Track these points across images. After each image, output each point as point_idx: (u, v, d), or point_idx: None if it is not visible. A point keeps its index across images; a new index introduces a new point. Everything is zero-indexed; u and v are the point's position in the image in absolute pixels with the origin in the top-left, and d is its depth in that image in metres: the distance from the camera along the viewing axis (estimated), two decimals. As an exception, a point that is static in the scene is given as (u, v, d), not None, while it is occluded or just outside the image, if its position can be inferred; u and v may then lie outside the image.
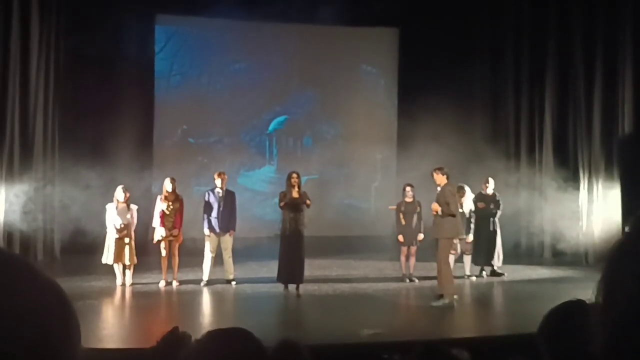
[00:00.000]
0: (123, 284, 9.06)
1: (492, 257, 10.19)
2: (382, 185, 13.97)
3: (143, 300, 8.49)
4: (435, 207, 8.28)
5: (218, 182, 9.36)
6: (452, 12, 12.81)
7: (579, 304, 1.58)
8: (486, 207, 10.11)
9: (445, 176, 8.30)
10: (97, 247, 9.54)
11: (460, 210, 9.86)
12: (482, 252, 10.14)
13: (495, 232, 10.21)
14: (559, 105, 12.34)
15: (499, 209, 10.25)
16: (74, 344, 0.77)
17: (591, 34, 11.58)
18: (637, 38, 11.01)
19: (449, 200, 8.22)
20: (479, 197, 10.17)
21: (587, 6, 11.73)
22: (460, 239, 9.78)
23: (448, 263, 8.35)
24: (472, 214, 10.02)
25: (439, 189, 8.35)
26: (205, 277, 9.26)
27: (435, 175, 8.35)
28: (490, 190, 10.26)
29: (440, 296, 8.15)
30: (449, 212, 8.21)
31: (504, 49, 13.08)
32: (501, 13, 13.04)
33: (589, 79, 11.67)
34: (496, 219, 10.25)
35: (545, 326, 1.68)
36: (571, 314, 1.58)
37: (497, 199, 10.29)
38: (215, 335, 1.43)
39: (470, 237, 9.95)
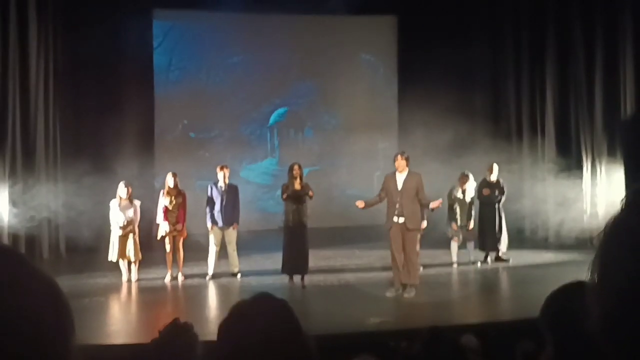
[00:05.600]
0: (129, 280, 9.08)
1: (498, 242, 10.17)
2: (384, 174, 13.89)
3: (149, 296, 8.52)
4: (438, 203, 8.21)
5: (220, 175, 9.35)
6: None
7: (579, 285, 1.58)
8: (491, 193, 10.08)
9: (406, 161, 8.10)
10: (102, 244, 9.58)
11: (461, 197, 9.88)
12: (488, 238, 10.13)
13: (500, 217, 10.20)
14: (560, 87, 12.26)
15: (503, 195, 10.23)
16: (67, 339, 0.77)
17: (591, 13, 11.49)
18: (637, 18, 10.92)
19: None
20: (484, 184, 10.14)
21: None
22: (461, 226, 9.81)
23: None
24: (474, 201, 10.02)
25: (400, 174, 8.12)
26: (210, 271, 9.28)
27: (398, 160, 8.09)
28: (494, 177, 10.21)
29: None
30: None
31: (503, 34, 13.00)
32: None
33: (590, 59, 11.59)
34: (500, 205, 10.23)
35: (547, 309, 1.68)
36: (572, 296, 1.58)
37: (502, 185, 10.25)
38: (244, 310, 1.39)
39: (472, 224, 9.94)
